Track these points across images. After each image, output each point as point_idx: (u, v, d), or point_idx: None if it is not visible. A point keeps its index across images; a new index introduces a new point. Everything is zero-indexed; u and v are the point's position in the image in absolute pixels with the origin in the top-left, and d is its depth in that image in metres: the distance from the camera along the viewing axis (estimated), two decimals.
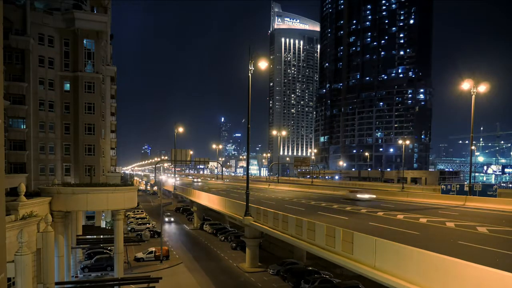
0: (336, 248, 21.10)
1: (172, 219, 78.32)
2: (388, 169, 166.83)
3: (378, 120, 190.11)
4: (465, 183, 59.46)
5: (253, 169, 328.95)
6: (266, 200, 49.57)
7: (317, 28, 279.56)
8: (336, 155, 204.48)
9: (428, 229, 25.90)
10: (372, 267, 17.94)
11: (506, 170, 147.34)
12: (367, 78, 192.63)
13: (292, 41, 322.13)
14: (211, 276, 38.67)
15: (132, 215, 72.79)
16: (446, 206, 40.04)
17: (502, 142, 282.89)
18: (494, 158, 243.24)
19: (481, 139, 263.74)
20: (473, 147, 57.77)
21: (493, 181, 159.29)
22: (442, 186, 53.54)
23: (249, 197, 35.72)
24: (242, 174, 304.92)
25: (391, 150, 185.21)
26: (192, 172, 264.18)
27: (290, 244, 32.10)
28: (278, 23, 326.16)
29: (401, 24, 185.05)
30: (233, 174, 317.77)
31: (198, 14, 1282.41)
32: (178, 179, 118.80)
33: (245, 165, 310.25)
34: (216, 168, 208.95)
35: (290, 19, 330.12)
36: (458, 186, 49.98)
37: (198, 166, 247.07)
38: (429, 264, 14.75)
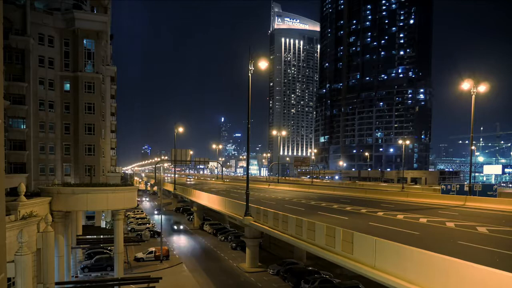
0: (336, 248, 21.09)
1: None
2: (388, 169, 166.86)
3: (378, 120, 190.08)
4: (465, 183, 59.44)
5: (253, 169, 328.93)
6: (266, 200, 49.55)
7: (317, 28, 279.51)
8: (336, 155, 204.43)
9: (428, 229, 25.89)
10: (372, 267, 17.93)
11: (506, 170, 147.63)
12: (367, 78, 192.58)
13: (292, 41, 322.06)
14: (211, 276, 38.67)
15: (132, 215, 72.80)
16: (446, 206, 40.01)
17: (502, 142, 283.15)
18: (494, 158, 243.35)
19: (481, 139, 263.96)
20: (473, 147, 57.76)
21: (493, 181, 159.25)
22: (442, 186, 53.49)
23: (249, 197, 35.70)
24: (242, 174, 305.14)
25: (391, 150, 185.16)
26: (192, 172, 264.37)
27: (290, 244, 32.08)
28: (278, 23, 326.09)
29: (401, 24, 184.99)
30: (233, 174, 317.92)
31: (198, 14, 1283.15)
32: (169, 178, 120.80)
33: (245, 165, 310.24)
34: (216, 168, 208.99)
35: (290, 19, 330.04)
36: (458, 186, 49.93)
37: (198, 166, 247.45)
38: (429, 264, 14.75)
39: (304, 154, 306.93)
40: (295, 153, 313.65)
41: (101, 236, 44.39)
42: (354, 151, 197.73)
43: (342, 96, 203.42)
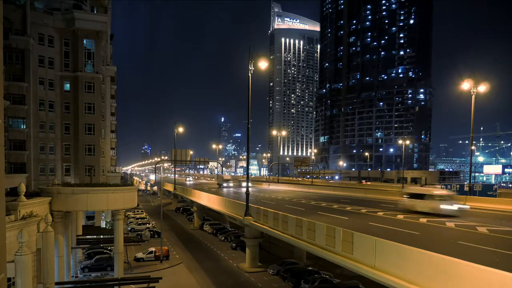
0: (336, 248, 21.09)
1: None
2: (388, 169, 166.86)
3: (378, 120, 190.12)
4: (465, 183, 59.45)
5: (253, 169, 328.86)
6: (266, 200, 49.55)
7: (317, 28, 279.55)
8: (336, 155, 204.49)
9: (428, 229, 25.91)
10: (372, 267, 17.94)
11: (506, 170, 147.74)
12: (367, 78, 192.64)
13: (292, 41, 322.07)
14: (211, 276, 38.66)
15: (132, 215, 72.79)
16: None
17: (502, 142, 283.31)
18: (494, 158, 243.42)
19: (481, 139, 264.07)
20: (473, 147, 57.75)
21: (493, 181, 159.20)
22: (442, 186, 53.51)
23: (249, 197, 35.72)
24: (242, 174, 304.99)
25: (391, 150, 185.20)
26: (192, 172, 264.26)
27: (290, 244, 32.08)
28: (278, 23, 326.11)
29: (401, 24, 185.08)
30: (233, 174, 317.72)
31: (198, 14, 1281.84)
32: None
33: (245, 165, 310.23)
34: (216, 168, 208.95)
35: (290, 19, 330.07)
36: (458, 186, 49.95)
37: (198, 166, 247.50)
38: (429, 264, 14.75)
39: (304, 154, 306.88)
40: (295, 153, 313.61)
41: (101, 236, 44.37)
42: (354, 151, 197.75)
43: (342, 96, 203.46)
